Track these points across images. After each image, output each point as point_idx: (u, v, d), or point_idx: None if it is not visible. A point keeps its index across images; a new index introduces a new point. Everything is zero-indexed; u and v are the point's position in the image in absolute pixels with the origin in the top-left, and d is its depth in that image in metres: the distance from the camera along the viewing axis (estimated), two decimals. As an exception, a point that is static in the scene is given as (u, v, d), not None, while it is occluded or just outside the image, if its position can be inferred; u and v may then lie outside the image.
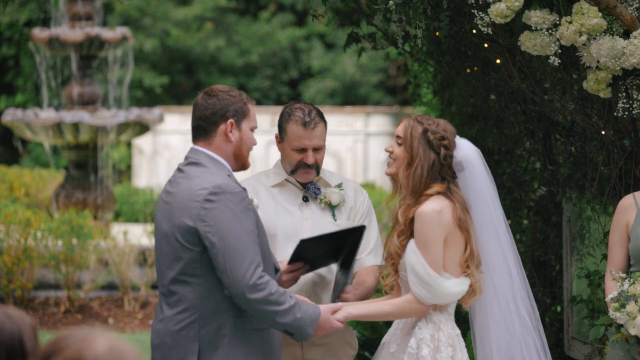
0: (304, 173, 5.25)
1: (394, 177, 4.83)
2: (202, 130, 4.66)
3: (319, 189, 5.29)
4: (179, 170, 4.66)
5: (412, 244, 4.66)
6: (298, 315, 4.52)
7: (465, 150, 4.75)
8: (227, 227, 4.45)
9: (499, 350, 4.76)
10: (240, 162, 4.72)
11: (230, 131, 4.65)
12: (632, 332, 4.82)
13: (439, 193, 4.69)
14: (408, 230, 4.72)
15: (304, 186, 5.31)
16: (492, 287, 4.76)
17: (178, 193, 4.58)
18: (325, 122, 5.27)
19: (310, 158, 5.21)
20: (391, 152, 4.80)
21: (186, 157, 4.69)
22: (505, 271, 4.78)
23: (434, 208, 4.63)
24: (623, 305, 4.84)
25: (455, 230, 4.66)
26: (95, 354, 2.64)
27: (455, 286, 4.66)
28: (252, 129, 4.74)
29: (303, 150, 5.22)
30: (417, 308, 4.68)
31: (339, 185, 5.32)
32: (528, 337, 4.79)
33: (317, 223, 5.24)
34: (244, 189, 4.61)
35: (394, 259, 4.77)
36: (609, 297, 4.94)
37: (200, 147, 4.66)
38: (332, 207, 5.29)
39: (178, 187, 4.60)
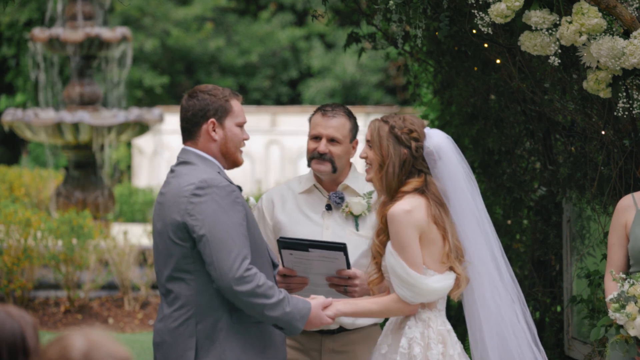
0: (316, 164, 5.18)
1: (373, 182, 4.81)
2: (187, 132, 4.73)
3: (341, 198, 5.21)
4: (171, 171, 4.73)
5: (389, 246, 4.65)
6: (287, 309, 4.53)
7: (436, 139, 4.70)
8: (213, 220, 4.48)
9: (490, 333, 4.74)
10: (231, 160, 4.75)
11: (213, 130, 4.69)
12: (632, 333, 4.82)
13: (415, 190, 4.66)
14: (386, 229, 4.70)
15: (329, 194, 5.24)
16: (477, 274, 4.74)
17: (168, 192, 4.63)
18: (350, 120, 5.20)
19: (322, 146, 5.14)
20: (366, 158, 4.78)
21: (177, 158, 4.75)
22: (490, 257, 4.76)
23: (404, 208, 4.59)
24: (623, 306, 4.84)
25: (431, 227, 4.62)
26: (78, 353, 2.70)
27: (438, 282, 4.64)
28: (239, 125, 4.75)
29: (318, 138, 5.17)
30: (404, 307, 4.66)
31: (369, 194, 5.22)
32: (517, 322, 4.77)
33: (338, 232, 5.17)
34: (234, 185, 4.63)
35: (375, 257, 4.77)
36: (608, 297, 4.94)
37: (189, 147, 4.72)
38: (355, 217, 5.22)
39: (169, 186, 4.66)
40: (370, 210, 5.21)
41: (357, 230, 5.20)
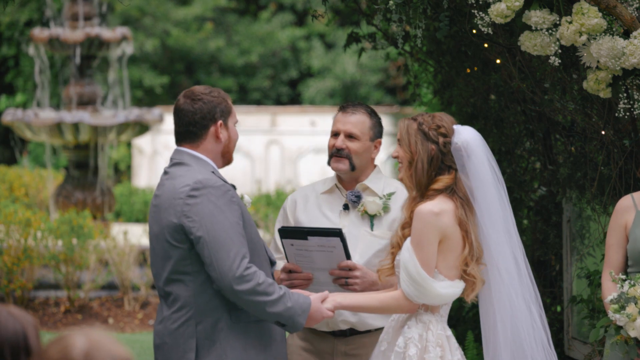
0: (335, 162, 5.20)
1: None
2: (191, 135, 4.70)
3: (358, 197, 5.22)
4: (165, 172, 4.72)
5: (407, 241, 4.65)
6: (289, 304, 4.53)
7: (465, 135, 4.69)
8: (210, 220, 4.48)
9: (505, 334, 4.70)
10: (227, 159, 4.79)
11: (220, 132, 4.68)
12: (632, 334, 4.80)
13: (447, 188, 4.66)
14: (411, 223, 4.70)
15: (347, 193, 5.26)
16: (496, 274, 4.72)
17: (163, 194, 4.63)
18: (371, 118, 5.22)
19: (339, 141, 5.17)
20: (397, 157, 4.78)
21: (171, 159, 4.73)
22: (511, 258, 4.73)
23: (432, 209, 4.59)
24: (623, 307, 4.83)
25: (454, 232, 4.61)
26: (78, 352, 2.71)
27: (445, 288, 4.62)
28: (235, 124, 4.81)
29: (337, 134, 5.20)
30: (404, 305, 4.66)
31: (389, 195, 5.21)
32: (532, 324, 4.74)
33: (352, 232, 5.17)
34: (229, 184, 4.63)
35: (394, 248, 4.77)
36: (608, 298, 4.92)
37: (184, 148, 4.71)
38: (370, 217, 5.21)
39: (163, 188, 4.65)
40: (386, 210, 5.20)
41: (372, 230, 5.19)
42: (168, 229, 4.56)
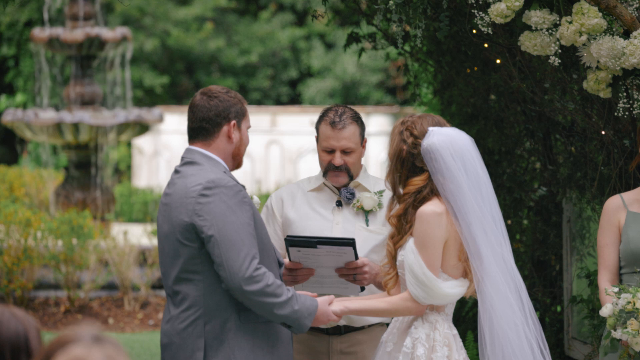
0: (333, 176, 5.20)
1: None
2: (204, 132, 4.69)
3: (352, 194, 5.23)
4: (176, 171, 4.71)
5: (410, 243, 4.63)
6: (296, 307, 4.54)
7: (432, 139, 4.61)
8: (222, 220, 4.49)
9: (498, 336, 4.67)
10: (237, 162, 4.79)
11: (233, 132, 4.68)
12: (637, 348, 4.77)
13: (418, 191, 4.63)
14: (394, 226, 4.70)
15: (340, 190, 5.27)
16: (485, 275, 4.65)
17: (174, 193, 4.62)
18: (358, 125, 5.19)
19: (337, 159, 5.16)
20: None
21: (182, 158, 4.73)
22: (491, 257, 4.66)
23: (435, 210, 4.58)
24: (620, 320, 4.77)
25: (454, 230, 4.60)
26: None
27: (452, 288, 4.62)
28: (248, 128, 4.82)
29: (331, 151, 5.19)
30: (413, 307, 4.65)
31: (380, 192, 5.23)
32: (523, 319, 4.70)
33: (347, 228, 5.18)
34: (240, 184, 4.64)
35: (392, 259, 4.76)
36: (603, 311, 4.85)
37: (196, 147, 4.70)
38: (365, 212, 5.22)
39: (174, 187, 4.65)
40: (380, 207, 5.21)
41: (367, 225, 5.20)
42: (179, 228, 4.56)
